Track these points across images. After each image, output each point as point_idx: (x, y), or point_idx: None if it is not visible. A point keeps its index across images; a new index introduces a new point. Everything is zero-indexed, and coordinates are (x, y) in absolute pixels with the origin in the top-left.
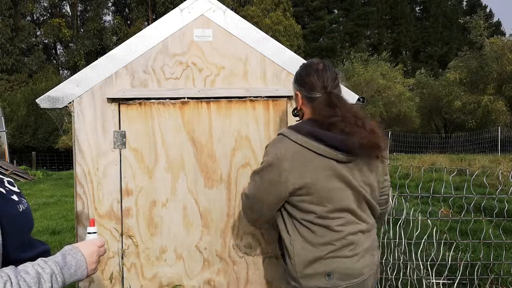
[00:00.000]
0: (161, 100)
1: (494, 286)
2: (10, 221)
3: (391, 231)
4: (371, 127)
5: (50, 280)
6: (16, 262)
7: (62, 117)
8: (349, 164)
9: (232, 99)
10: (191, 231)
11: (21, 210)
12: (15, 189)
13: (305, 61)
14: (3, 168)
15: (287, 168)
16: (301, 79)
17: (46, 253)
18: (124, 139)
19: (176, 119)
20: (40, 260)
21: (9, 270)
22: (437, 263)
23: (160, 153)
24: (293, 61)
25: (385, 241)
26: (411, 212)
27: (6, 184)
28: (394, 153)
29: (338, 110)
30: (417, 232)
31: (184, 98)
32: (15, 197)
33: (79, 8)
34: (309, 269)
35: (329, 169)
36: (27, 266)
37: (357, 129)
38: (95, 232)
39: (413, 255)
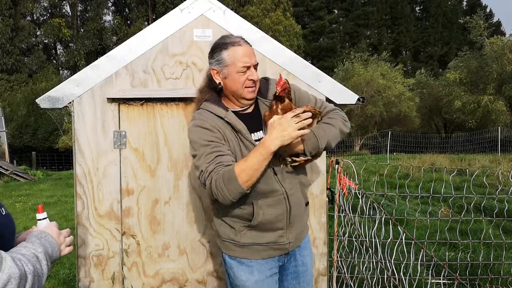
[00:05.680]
0: (164, 101)
1: (494, 286)
2: None
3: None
4: None
5: (45, 258)
6: None
7: (62, 117)
8: None
9: None
10: (194, 226)
11: (4, 213)
12: None
13: (305, 61)
14: (3, 168)
15: None
16: None
17: None
18: (124, 139)
19: (180, 119)
20: (27, 243)
21: (3, 252)
22: (436, 263)
23: (162, 152)
24: (293, 61)
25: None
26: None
27: None
28: (394, 153)
29: None
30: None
31: (184, 97)
32: None
33: (79, 8)
34: None
35: None
36: (20, 249)
37: None
38: (46, 218)
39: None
